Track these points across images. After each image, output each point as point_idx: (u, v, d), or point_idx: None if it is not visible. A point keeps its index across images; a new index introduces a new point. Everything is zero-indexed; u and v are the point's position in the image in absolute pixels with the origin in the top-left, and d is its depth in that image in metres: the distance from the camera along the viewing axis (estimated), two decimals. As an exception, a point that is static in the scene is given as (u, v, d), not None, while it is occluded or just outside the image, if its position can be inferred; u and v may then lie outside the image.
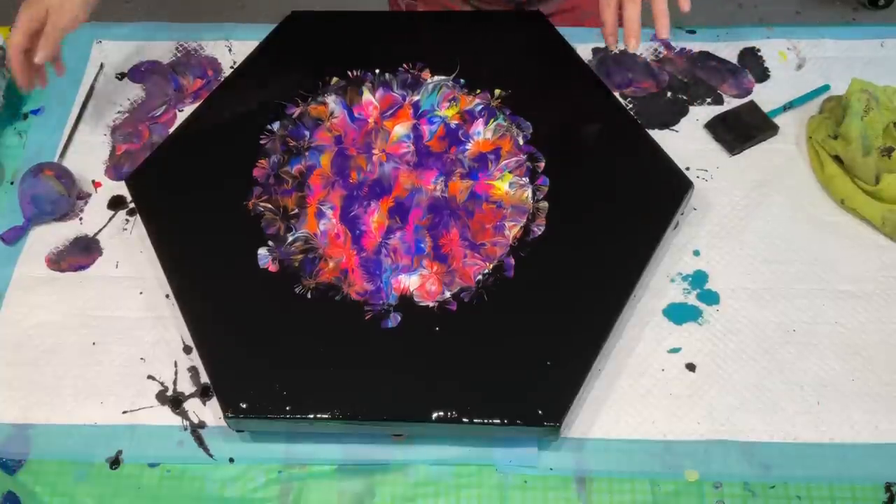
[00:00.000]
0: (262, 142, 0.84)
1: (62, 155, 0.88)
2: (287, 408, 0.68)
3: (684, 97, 0.90)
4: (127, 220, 0.84)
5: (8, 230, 0.82)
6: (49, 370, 0.75)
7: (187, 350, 0.75)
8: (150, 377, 0.74)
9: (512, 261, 0.76)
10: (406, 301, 0.74)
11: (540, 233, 0.77)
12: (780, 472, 0.68)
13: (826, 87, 0.90)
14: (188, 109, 0.91)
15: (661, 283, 0.78)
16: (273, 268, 0.76)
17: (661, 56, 0.93)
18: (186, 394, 0.73)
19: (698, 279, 0.78)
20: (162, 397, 0.73)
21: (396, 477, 0.70)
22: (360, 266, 0.76)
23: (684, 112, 0.89)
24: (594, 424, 0.71)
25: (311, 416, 0.68)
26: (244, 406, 0.68)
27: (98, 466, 0.71)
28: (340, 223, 0.79)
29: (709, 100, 0.90)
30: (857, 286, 0.77)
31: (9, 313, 0.78)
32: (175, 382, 0.74)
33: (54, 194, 0.81)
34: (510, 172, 0.81)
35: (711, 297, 0.77)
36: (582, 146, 0.83)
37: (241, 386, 0.69)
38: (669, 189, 0.79)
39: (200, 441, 0.71)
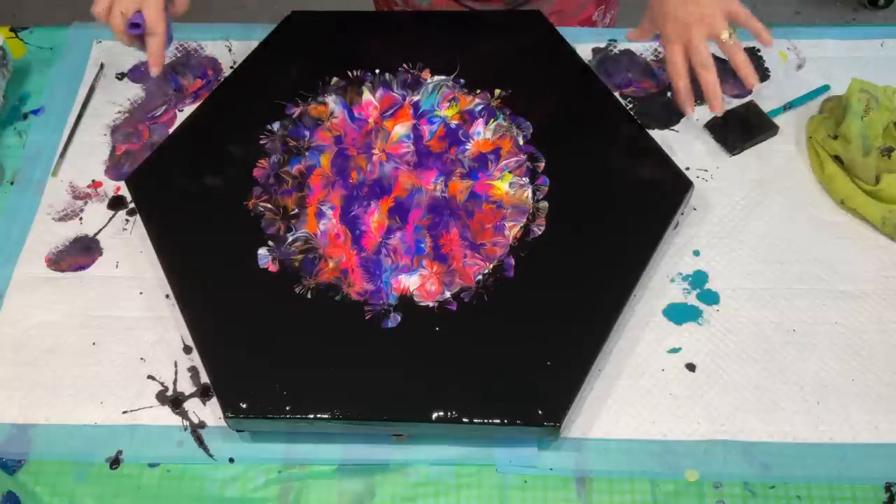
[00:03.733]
0: (262, 142, 0.84)
1: (62, 155, 0.88)
2: (287, 408, 0.68)
3: (684, 97, 0.90)
4: (127, 220, 0.84)
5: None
6: (49, 370, 0.75)
7: (187, 350, 0.75)
8: (150, 377, 0.74)
9: (512, 261, 0.76)
10: (406, 301, 0.74)
11: (540, 233, 0.77)
12: (780, 472, 0.68)
13: (826, 87, 0.90)
14: (188, 109, 0.91)
15: (661, 283, 0.78)
16: (273, 268, 0.76)
17: (661, 56, 0.93)
18: (186, 394, 0.73)
19: (698, 279, 0.78)
20: (162, 397, 0.73)
21: (396, 477, 0.70)
22: (360, 266, 0.76)
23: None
24: (594, 424, 0.71)
25: (311, 416, 0.68)
26: (244, 406, 0.68)
27: (98, 466, 0.71)
28: (340, 223, 0.79)
29: (709, 100, 0.90)
30: (857, 286, 0.77)
31: (9, 313, 0.78)
32: (175, 382, 0.74)
33: None
34: (510, 172, 0.81)
35: (711, 297, 0.77)
36: (582, 146, 0.83)
37: (241, 386, 0.69)
38: (669, 189, 0.79)
39: (200, 441, 0.71)
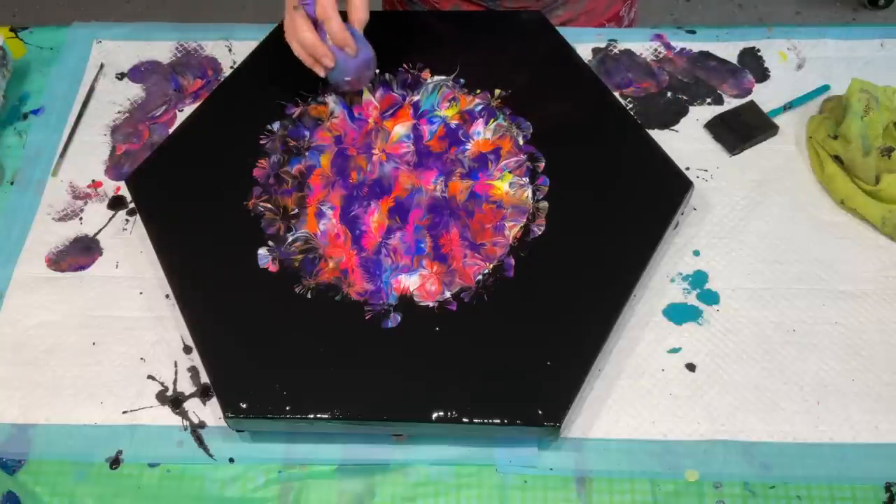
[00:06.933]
0: (262, 142, 0.84)
1: (62, 155, 0.88)
2: (287, 408, 0.68)
3: (684, 97, 0.90)
4: (127, 220, 0.84)
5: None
6: (49, 370, 0.75)
7: (187, 350, 0.75)
8: (150, 377, 0.74)
9: (512, 261, 0.76)
10: (406, 301, 0.74)
11: (540, 233, 0.77)
12: (780, 472, 0.68)
13: (826, 87, 0.90)
14: (188, 109, 0.91)
15: (661, 283, 0.78)
16: (273, 268, 0.76)
17: (661, 56, 0.93)
18: (186, 394, 0.73)
19: (698, 279, 0.78)
20: (162, 397, 0.73)
21: (396, 477, 0.70)
22: (360, 266, 0.76)
23: (684, 112, 0.89)
24: (594, 424, 0.71)
25: (311, 416, 0.68)
26: (244, 406, 0.68)
27: (98, 466, 0.71)
28: (340, 223, 0.79)
29: (709, 100, 0.90)
30: (857, 286, 0.77)
31: (9, 313, 0.78)
32: (175, 382, 0.74)
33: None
34: (510, 172, 0.81)
35: (711, 297, 0.77)
36: (582, 146, 0.83)
37: (241, 386, 0.69)
38: (669, 189, 0.79)
39: (200, 441, 0.71)
